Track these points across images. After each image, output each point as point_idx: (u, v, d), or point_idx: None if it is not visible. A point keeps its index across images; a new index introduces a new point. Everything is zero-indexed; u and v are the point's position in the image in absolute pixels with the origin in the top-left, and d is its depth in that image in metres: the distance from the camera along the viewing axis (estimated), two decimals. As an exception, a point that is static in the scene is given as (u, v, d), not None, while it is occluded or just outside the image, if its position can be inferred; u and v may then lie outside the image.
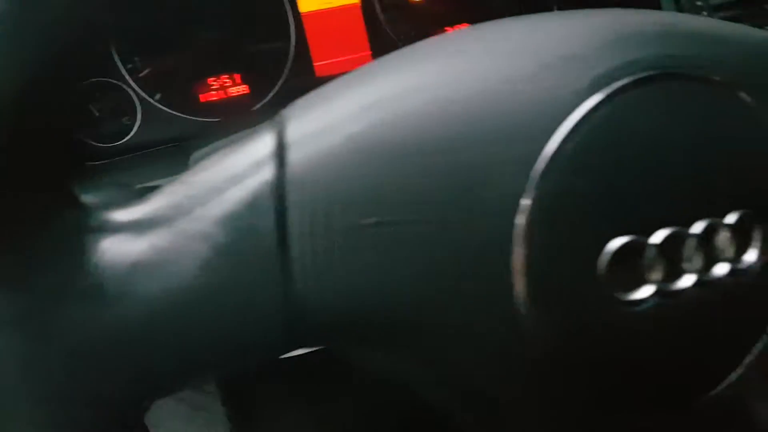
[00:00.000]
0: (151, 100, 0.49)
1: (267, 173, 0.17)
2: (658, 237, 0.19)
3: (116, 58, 0.47)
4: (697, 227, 0.20)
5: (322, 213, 0.17)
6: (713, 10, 0.52)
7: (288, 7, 0.52)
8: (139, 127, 0.48)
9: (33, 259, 0.15)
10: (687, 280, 0.20)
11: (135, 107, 0.48)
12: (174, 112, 0.50)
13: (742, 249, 0.21)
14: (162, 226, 0.16)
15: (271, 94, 0.52)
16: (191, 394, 0.72)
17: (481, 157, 0.19)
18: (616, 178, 0.20)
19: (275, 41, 0.52)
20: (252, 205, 0.17)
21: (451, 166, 0.18)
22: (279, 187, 0.17)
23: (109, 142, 0.47)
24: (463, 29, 0.23)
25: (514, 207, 0.19)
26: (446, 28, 0.58)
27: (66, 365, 0.15)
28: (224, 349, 0.17)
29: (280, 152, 0.18)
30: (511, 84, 0.19)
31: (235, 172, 0.17)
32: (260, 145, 0.18)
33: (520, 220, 0.18)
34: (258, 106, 0.52)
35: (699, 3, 0.51)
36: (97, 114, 0.47)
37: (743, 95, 0.21)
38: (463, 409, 0.22)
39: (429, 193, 0.18)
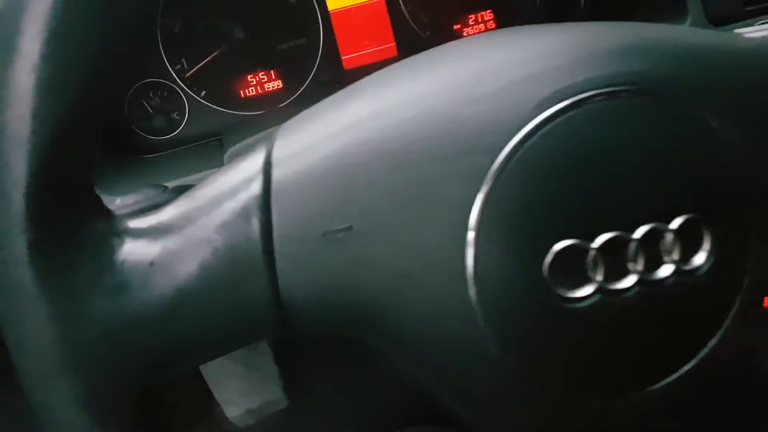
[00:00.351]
0: (197, 97, 0.55)
1: (256, 188, 0.21)
2: (599, 240, 0.21)
3: (165, 60, 0.53)
4: (640, 231, 0.21)
5: (301, 221, 0.21)
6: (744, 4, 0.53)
7: (316, 5, 0.56)
8: (187, 121, 0.54)
9: (72, 259, 0.20)
10: (629, 281, 0.21)
11: (183, 104, 0.54)
12: (217, 107, 0.55)
13: (689, 252, 0.22)
14: (173, 232, 0.21)
15: (302, 88, 0.57)
16: (245, 355, 0.78)
17: (437, 170, 0.21)
18: (562, 186, 0.21)
19: (305, 38, 0.57)
20: (243, 215, 0.21)
21: (410, 179, 0.21)
22: (265, 200, 0.21)
23: (161, 135, 0.54)
24: (429, 51, 0.25)
25: (466, 214, 0.21)
26: (469, 16, 0.61)
27: (96, 344, 0.20)
28: (222, 332, 0.21)
29: (267, 170, 0.22)
30: (467, 105, 0.22)
31: (231, 186, 0.22)
32: (252, 163, 0.22)
33: (472, 225, 0.21)
34: (291, 99, 0.57)
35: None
36: (151, 110, 0.53)
37: (686, 107, 0.22)
38: (437, 393, 0.25)
39: (390, 203, 0.21)
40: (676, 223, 0.22)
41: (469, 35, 0.61)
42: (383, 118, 0.22)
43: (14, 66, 0.19)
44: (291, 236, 0.21)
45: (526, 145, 0.21)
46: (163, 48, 0.53)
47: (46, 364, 0.20)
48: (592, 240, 0.21)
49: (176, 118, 0.54)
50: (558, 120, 0.21)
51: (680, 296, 0.22)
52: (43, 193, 0.19)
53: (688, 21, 0.51)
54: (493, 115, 0.22)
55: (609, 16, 0.58)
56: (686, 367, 0.23)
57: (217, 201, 0.21)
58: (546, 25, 0.26)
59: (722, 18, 0.51)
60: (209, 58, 0.54)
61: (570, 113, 0.21)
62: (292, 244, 0.21)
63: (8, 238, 0.19)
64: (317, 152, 0.22)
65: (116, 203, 0.34)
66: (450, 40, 0.60)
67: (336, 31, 0.57)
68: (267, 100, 0.57)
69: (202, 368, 0.69)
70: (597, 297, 0.21)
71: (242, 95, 0.56)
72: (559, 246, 0.21)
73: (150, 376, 0.21)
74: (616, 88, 0.22)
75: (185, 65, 0.54)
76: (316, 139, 0.22)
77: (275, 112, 0.56)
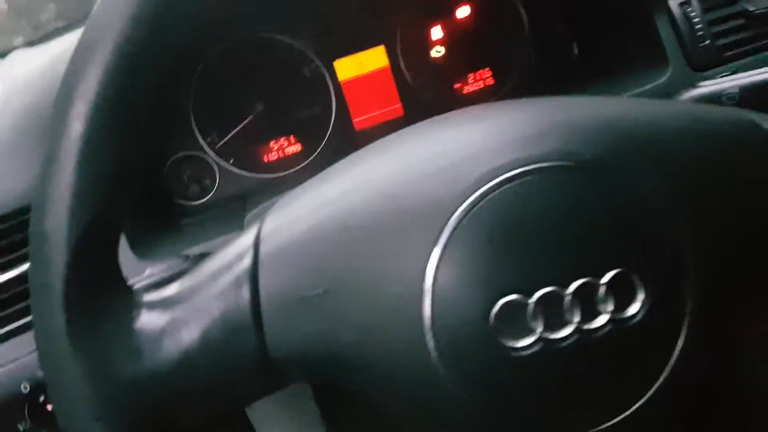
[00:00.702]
0: (227, 165, 0.62)
1: (247, 262, 0.26)
2: (537, 295, 0.24)
3: (198, 135, 0.61)
4: (574, 286, 0.24)
5: (283, 289, 0.25)
6: (715, 38, 0.55)
7: (328, 77, 0.63)
8: (217, 187, 0.61)
9: (100, 329, 0.25)
10: (567, 330, 0.24)
11: (214, 172, 0.61)
12: (244, 173, 0.62)
13: (624, 302, 0.24)
14: (179, 304, 0.26)
15: (318, 150, 0.63)
16: (288, 398, 0.83)
17: (394, 240, 0.25)
18: (502, 249, 0.24)
19: (320, 106, 0.63)
20: (236, 286, 0.25)
21: (372, 249, 0.25)
22: (254, 272, 0.26)
23: (195, 200, 0.61)
24: (386, 139, 0.30)
25: (421, 275, 0.24)
26: (468, 75, 0.66)
27: (119, 396, 0.24)
28: (222, 384, 0.25)
29: (257, 246, 0.26)
30: (416, 184, 0.26)
31: (227, 261, 0.26)
32: (245, 240, 0.27)
33: (427, 283, 0.24)
34: (308, 160, 0.63)
35: (695, 20, 0.53)
36: (186, 180, 0.61)
37: (613, 179, 0.25)
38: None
39: (356, 269, 0.25)
40: (607, 278, 0.24)
41: (469, 93, 0.66)
42: (347, 199, 0.27)
43: (53, 180, 0.24)
44: (275, 302, 0.25)
45: (468, 215, 0.25)
46: (195, 125, 0.60)
47: (80, 411, 0.24)
48: (531, 295, 0.24)
49: (208, 184, 0.61)
50: (492, 194, 0.25)
51: (620, 343, 0.24)
52: (77, 281, 0.24)
53: (670, 69, 0.54)
54: (438, 191, 0.25)
55: (599, 66, 0.62)
56: (632, 409, 0.24)
57: (215, 275, 0.26)
58: (484, 107, 0.30)
59: (703, 65, 0.54)
60: (236, 129, 0.61)
61: (503, 188, 0.25)
62: (277, 309, 0.25)
63: (50, 317, 0.24)
64: (295, 229, 0.27)
65: (146, 272, 0.40)
66: (451, 99, 0.66)
67: (347, 98, 0.63)
68: (288, 162, 0.63)
69: (248, 411, 0.74)
70: (539, 346, 0.24)
71: (266, 160, 0.63)
72: (502, 301, 0.24)
73: (165, 422, 0.26)
74: (544, 165, 0.25)
75: (215, 138, 0.61)
76: (294, 218, 0.27)
77: (292, 175, 0.62)
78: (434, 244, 0.25)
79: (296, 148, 0.63)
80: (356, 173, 0.28)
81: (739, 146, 0.27)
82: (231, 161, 0.62)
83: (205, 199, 0.61)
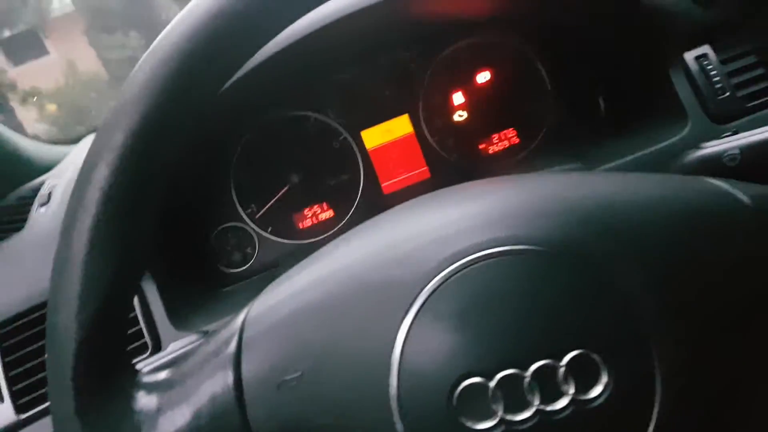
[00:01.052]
0: (265, 234, 0.66)
1: (233, 347, 0.28)
2: (497, 378, 0.24)
3: (238, 207, 0.66)
4: (533, 368, 0.24)
5: (262, 372, 0.28)
6: (735, 89, 0.54)
7: (356, 147, 0.67)
8: (257, 254, 0.66)
9: (105, 406, 0.28)
10: (528, 413, 0.24)
11: (254, 240, 0.66)
12: (282, 240, 0.66)
13: (586, 384, 0.24)
14: (174, 386, 0.29)
15: (349, 215, 0.67)
16: None
17: (363, 324, 0.27)
18: (464, 332, 0.25)
19: (349, 173, 0.67)
20: (222, 369, 0.28)
21: (343, 332, 0.27)
22: (237, 357, 0.28)
23: (236, 267, 0.66)
24: (356, 229, 0.32)
25: (390, 355, 0.26)
26: (492, 136, 0.68)
27: None
28: None
29: (242, 331, 0.29)
30: (383, 270, 0.28)
31: (217, 346, 0.29)
32: (233, 325, 0.30)
33: (394, 365, 0.26)
34: (340, 224, 0.67)
35: (712, 72, 0.53)
36: (229, 249, 0.66)
37: (577, 259, 0.26)
38: None
39: (329, 353, 0.27)
40: (567, 359, 0.24)
41: (495, 153, 0.68)
42: (322, 286, 0.29)
43: (63, 273, 0.28)
44: (256, 386, 0.28)
45: (431, 298, 0.26)
46: (237, 198, 0.66)
47: None
48: (491, 378, 0.24)
49: (249, 252, 0.66)
50: (455, 277, 0.26)
51: (584, 425, 0.24)
52: (85, 369, 0.28)
53: (690, 123, 0.54)
54: (404, 275, 0.27)
55: (624, 122, 0.62)
56: None
57: (206, 359, 0.29)
58: (452, 190, 0.32)
59: (723, 117, 0.53)
60: (273, 200, 0.66)
61: (465, 270, 0.26)
62: (258, 393, 0.28)
63: (61, 401, 0.28)
64: (275, 316, 0.29)
65: (169, 348, 0.44)
66: (476, 159, 0.67)
67: (375, 165, 0.67)
68: (321, 227, 0.67)
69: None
70: (500, 429, 0.24)
71: (300, 227, 0.67)
72: (464, 383, 0.25)
73: None
74: (505, 249, 0.26)
75: (255, 209, 0.66)
76: (275, 304, 0.29)
77: (326, 240, 0.65)
78: (399, 326, 0.26)
79: (329, 214, 0.67)
80: (332, 261, 0.30)
81: (711, 225, 0.27)
82: (269, 230, 0.66)
83: (246, 267, 0.66)
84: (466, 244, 0.27)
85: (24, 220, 0.60)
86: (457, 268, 0.26)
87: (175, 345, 0.45)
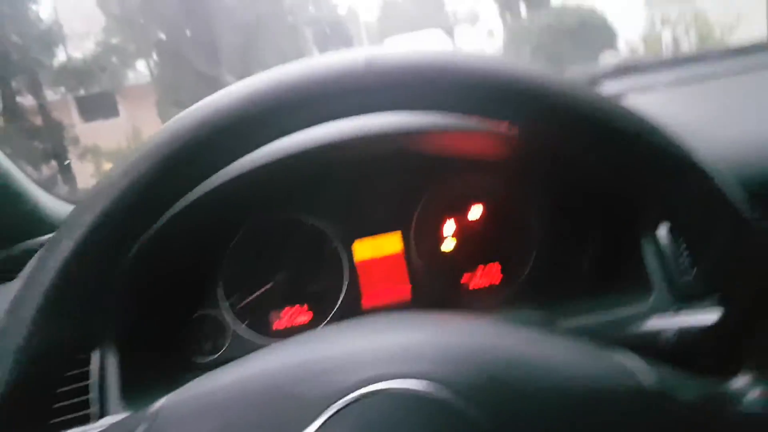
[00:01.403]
0: (242, 326, 0.67)
1: None
2: None
3: (222, 296, 0.68)
4: None
5: None
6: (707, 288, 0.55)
7: (345, 257, 0.69)
8: (228, 346, 0.67)
9: None
10: None
11: (228, 332, 0.67)
12: (255, 335, 0.67)
13: None
14: None
15: (325, 322, 0.67)
16: None
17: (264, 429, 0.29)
18: None
19: (333, 282, 0.69)
20: None
21: None
22: None
23: (205, 356, 0.66)
24: (277, 346, 0.34)
25: None
26: (479, 267, 0.69)
27: None
28: None
29: (150, 422, 0.30)
30: (295, 384, 0.29)
31: None
32: (141, 416, 0.31)
33: None
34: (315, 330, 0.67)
35: (682, 265, 0.54)
36: (201, 336, 0.67)
37: (467, 403, 0.28)
38: None
39: None
40: None
41: (474, 288, 0.69)
42: (233, 389, 0.31)
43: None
44: None
45: (328, 422, 0.28)
46: (223, 288, 0.67)
47: None
48: None
49: (219, 342, 0.67)
50: (353, 404, 0.28)
51: None
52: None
53: (653, 296, 0.54)
54: (308, 394, 0.29)
55: (601, 282, 0.62)
56: None
57: None
58: (368, 320, 0.35)
59: (683, 296, 0.54)
60: (256, 294, 0.68)
61: (365, 399, 0.28)
62: None
63: None
64: (183, 410, 0.31)
65: (99, 423, 0.44)
66: (457, 292, 0.68)
67: (360, 277, 0.69)
68: (296, 330, 0.68)
69: None
70: None
71: (275, 326, 0.68)
72: None
73: None
74: (401, 385, 0.28)
75: (236, 299, 0.68)
76: (186, 398, 0.32)
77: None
78: None
79: (306, 317, 0.68)
80: (252, 366, 0.32)
81: (599, 403, 0.28)
82: (246, 322, 0.67)
83: (214, 357, 0.66)
84: (370, 374, 0.29)
85: (18, 272, 0.63)
86: (356, 396, 0.28)
87: (105, 421, 0.45)
